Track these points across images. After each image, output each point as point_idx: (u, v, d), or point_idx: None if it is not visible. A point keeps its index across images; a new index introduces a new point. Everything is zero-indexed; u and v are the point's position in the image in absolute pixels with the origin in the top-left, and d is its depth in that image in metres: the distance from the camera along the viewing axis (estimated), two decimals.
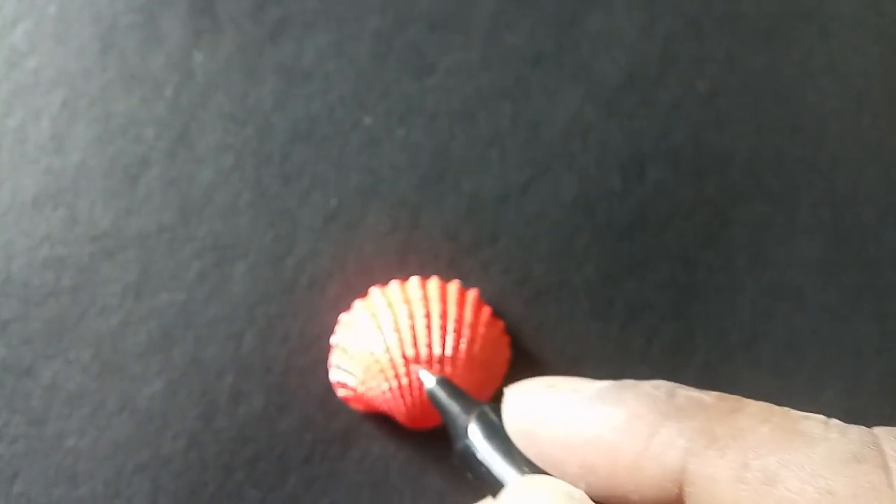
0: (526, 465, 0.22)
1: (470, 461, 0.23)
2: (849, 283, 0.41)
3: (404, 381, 0.34)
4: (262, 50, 0.40)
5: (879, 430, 0.19)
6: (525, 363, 0.38)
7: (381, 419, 0.36)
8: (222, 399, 0.36)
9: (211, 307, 0.37)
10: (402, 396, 0.34)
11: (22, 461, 0.36)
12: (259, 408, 0.36)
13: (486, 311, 0.37)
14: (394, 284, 0.37)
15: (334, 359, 0.36)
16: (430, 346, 0.34)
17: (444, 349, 0.34)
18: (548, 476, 0.22)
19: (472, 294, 0.37)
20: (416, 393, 0.34)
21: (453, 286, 0.37)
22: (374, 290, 0.37)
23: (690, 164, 0.41)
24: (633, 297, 0.39)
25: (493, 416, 0.24)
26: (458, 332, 0.35)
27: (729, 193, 0.41)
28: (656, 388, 0.21)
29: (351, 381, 0.35)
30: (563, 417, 0.21)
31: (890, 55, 0.44)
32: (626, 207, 0.40)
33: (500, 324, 0.38)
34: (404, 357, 0.34)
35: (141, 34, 0.40)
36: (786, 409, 0.20)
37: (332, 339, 0.37)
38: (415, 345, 0.34)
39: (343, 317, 0.37)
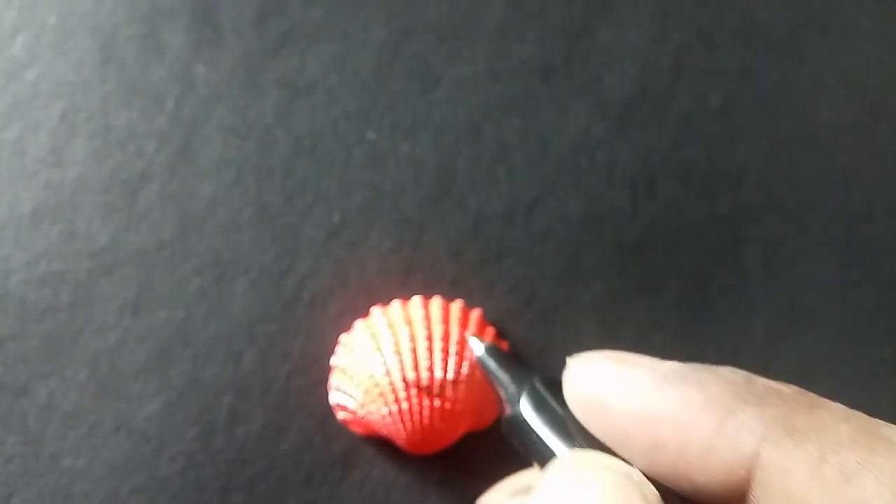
0: (582, 438, 0.22)
1: (520, 430, 0.23)
2: (864, 302, 0.40)
3: (405, 405, 0.33)
4: (265, 62, 0.39)
5: None
6: None
7: (382, 442, 0.36)
8: (220, 420, 0.36)
9: (210, 325, 0.36)
10: (402, 421, 0.33)
11: (17, 481, 0.35)
12: (258, 429, 0.36)
13: (490, 331, 0.36)
14: (396, 304, 0.36)
15: (334, 380, 0.36)
16: (430, 369, 0.34)
17: (445, 373, 0.34)
18: (601, 452, 0.21)
19: (475, 314, 0.36)
20: (416, 418, 0.33)
21: (456, 306, 0.36)
22: (376, 310, 0.36)
23: (702, 180, 0.40)
24: (643, 317, 0.38)
25: (544, 387, 0.23)
26: (460, 354, 0.34)
27: (741, 210, 0.40)
28: (734, 374, 0.20)
29: (351, 404, 0.35)
30: (637, 391, 0.21)
31: None
32: (636, 225, 0.39)
33: (505, 344, 0.37)
34: (405, 381, 0.33)
35: (141, 45, 0.39)
36: (863, 414, 0.19)
37: (333, 360, 0.36)
38: (416, 368, 0.34)
39: (344, 337, 0.36)
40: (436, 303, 0.36)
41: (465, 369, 0.34)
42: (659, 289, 0.39)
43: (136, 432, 0.35)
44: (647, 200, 0.39)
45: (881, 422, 0.19)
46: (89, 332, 0.36)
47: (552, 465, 0.21)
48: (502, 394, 0.25)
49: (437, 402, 0.34)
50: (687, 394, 0.20)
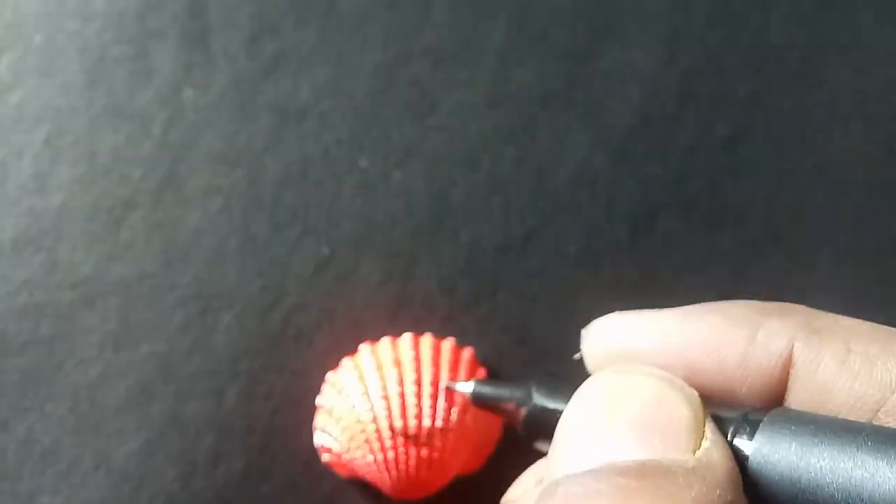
0: None
1: (543, 420, 0.23)
2: None
3: (390, 454, 0.32)
4: (256, 86, 0.38)
5: None
6: None
7: (367, 485, 0.35)
8: (201, 459, 0.35)
9: (192, 360, 0.35)
10: (388, 470, 0.32)
11: None
12: (239, 470, 0.35)
13: (482, 373, 0.35)
14: (385, 342, 0.35)
15: (319, 421, 0.35)
16: (419, 416, 0.33)
17: (433, 421, 0.33)
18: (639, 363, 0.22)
19: (466, 354, 0.35)
20: (402, 467, 0.32)
21: (447, 345, 0.35)
22: (364, 348, 0.35)
23: (705, 214, 0.38)
24: None
25: (549, 379, 0.24)
26: (449, 399, 0.33)
27: (745, 247, 0.38)
28: (747, 301, 0.22)
29: (335, 447, 0.34)
30: (664, 329, 0.22)
31: None
32: (635, 261, 0.38)
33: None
34: (391, 429, 0.32)
35: (130, 68, 0.38)
36: None
37: (318, 400, 0.35)
38: (403, 416, 0.33)
39: (330, 375, 0.35)
40: (426, 341, 0.35)
41: (454, 416, 0.33)
42: None
43: (116, 471, 0.35)
44: (646, 235, 0.38)
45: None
46: (70, 365, 0.35)
47: (589, 379, 0.21)
48: (510, 405, 0.25)
49: (423, 452, 0.33)
50: (713, 319, 0.21)
